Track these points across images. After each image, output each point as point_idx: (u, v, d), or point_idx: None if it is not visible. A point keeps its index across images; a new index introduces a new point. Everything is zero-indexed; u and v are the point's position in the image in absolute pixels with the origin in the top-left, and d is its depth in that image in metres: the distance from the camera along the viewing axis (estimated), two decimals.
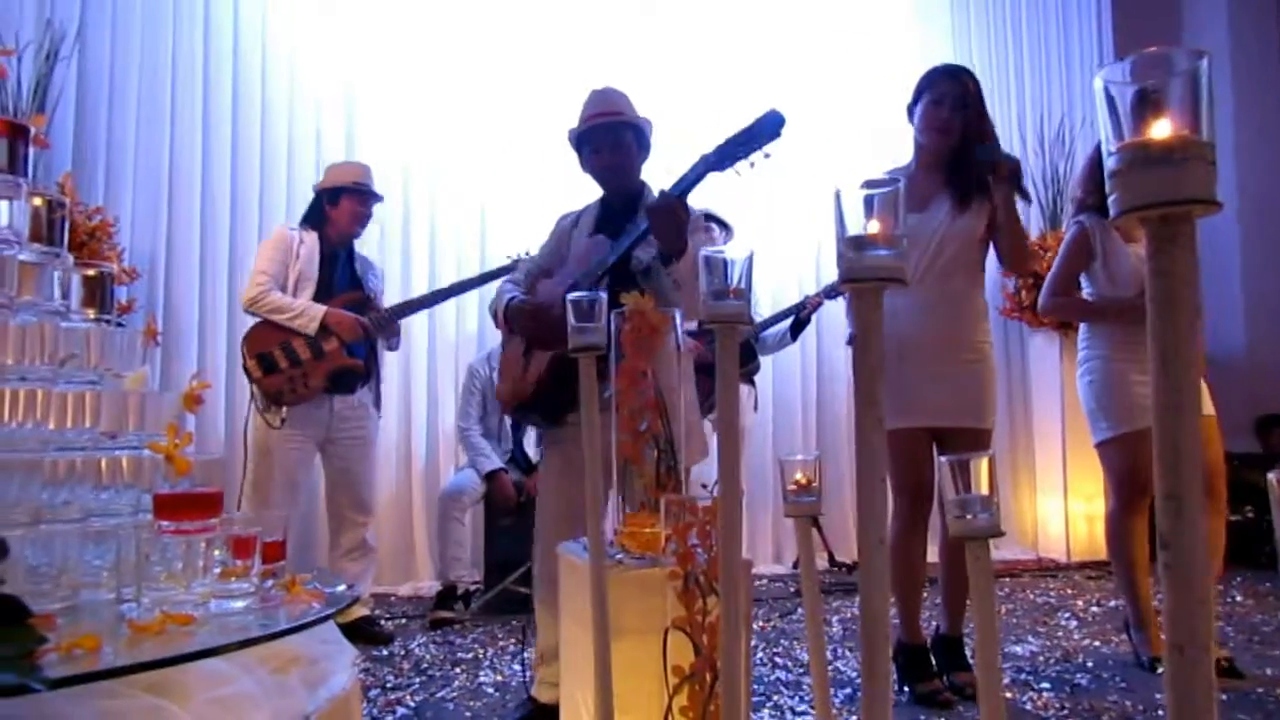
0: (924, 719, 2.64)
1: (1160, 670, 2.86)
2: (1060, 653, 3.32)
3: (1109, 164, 0.58)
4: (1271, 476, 0.72)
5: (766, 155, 2.28)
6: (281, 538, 1.66)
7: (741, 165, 2.31)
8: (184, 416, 1.64)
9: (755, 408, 5.01)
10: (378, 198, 3.92)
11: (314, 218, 3.82)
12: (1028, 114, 6.08)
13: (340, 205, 3.77)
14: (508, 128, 5.26)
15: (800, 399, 5.67)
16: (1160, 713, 2.62)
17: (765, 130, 2.26)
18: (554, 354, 2.54)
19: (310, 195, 3.93)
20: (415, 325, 5.04)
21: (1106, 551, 3.21)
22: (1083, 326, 3.22)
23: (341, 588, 1.48)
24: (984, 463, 1.05)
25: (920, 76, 2.96)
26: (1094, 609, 4.06)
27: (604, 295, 1.45)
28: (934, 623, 3.01)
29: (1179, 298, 0.55)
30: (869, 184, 0.84)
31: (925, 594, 2.95)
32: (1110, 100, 0.59)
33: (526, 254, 3.88)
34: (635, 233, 2.47)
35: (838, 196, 0.84)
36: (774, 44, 5.72)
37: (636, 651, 1.67)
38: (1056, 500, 5.60)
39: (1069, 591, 4.51)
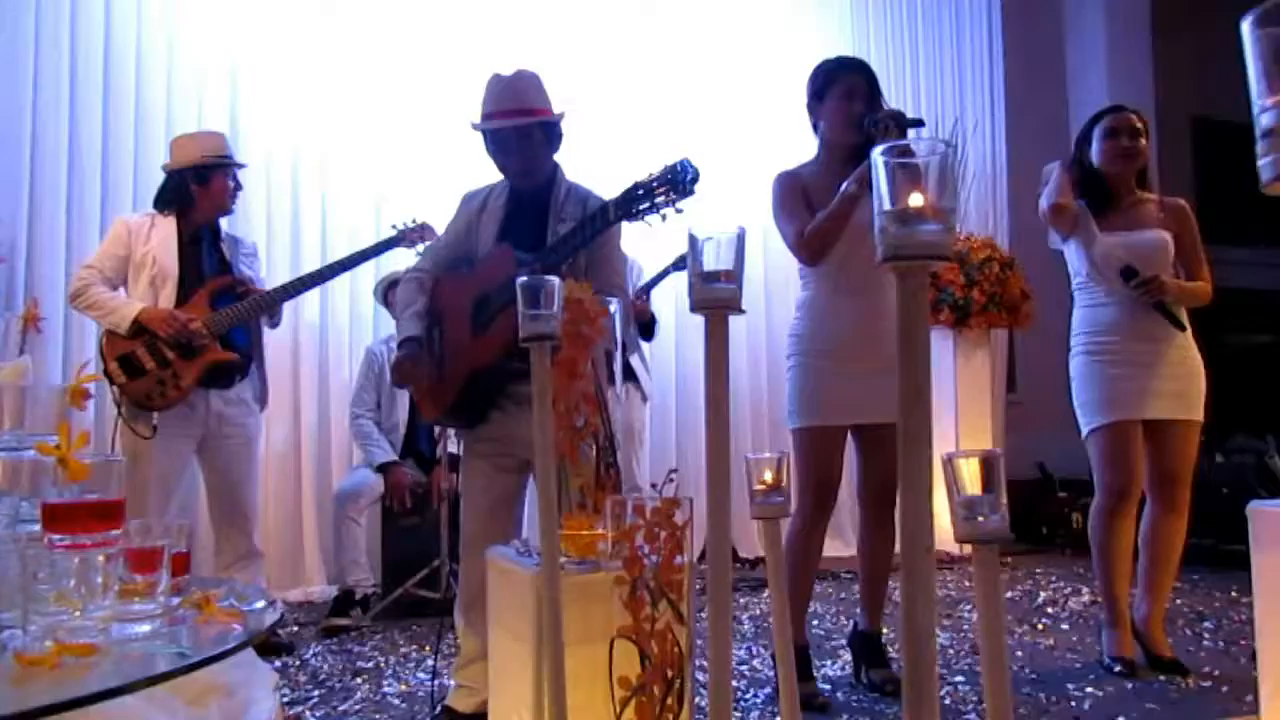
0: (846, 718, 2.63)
1: (1119, 670, 2.90)
2: (970, 645, 3.36)
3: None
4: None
5: (679, 211, 2.16)
6: (185, 549, 1.49)
7: (653, 218, 2.21)
8: (69, 414, 1.45)
9: (645, 399, 4.88)
10: (242, 165, 3.62)
11: (175, 200, 3.46)
12: (922, 117, 6.20)
13: (212, 184, 3.44)
14: (400, 99, 5.01)
15: (703, 397, 5.62)
16: (1072, 704, 2.67)
17: (675, 183, 2.14)
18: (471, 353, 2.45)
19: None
20: (306, 310, 4.75)
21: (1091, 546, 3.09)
22: (1074, 321, 3.14)
23: (260, 604, 1.32)
24: (990, 462, 0.98)
25: (817, 70, 2.85)
26: None
27: (558, 281, 1.33)
28: (853, 620, 2.99)
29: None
30: (903, 152, 0.76)
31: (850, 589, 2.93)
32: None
33: (414, 221, 3.68)
34: (559, 248, 2.39)
35: (876, 166, 0.75)
36: (670, 52, 5.65)
37: (577, 663, 1.56)
38: None
39: (966, 584, 4.60)
